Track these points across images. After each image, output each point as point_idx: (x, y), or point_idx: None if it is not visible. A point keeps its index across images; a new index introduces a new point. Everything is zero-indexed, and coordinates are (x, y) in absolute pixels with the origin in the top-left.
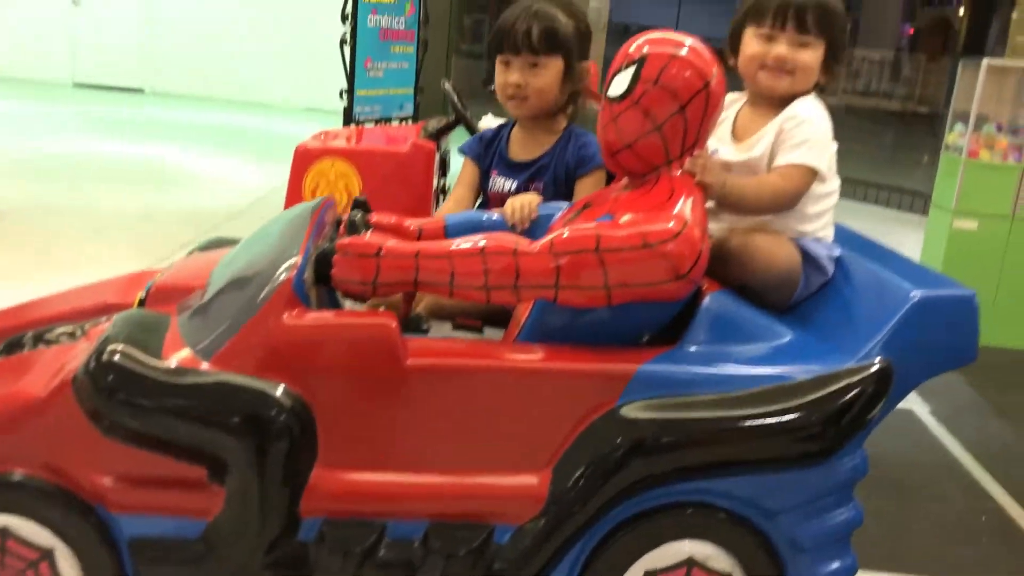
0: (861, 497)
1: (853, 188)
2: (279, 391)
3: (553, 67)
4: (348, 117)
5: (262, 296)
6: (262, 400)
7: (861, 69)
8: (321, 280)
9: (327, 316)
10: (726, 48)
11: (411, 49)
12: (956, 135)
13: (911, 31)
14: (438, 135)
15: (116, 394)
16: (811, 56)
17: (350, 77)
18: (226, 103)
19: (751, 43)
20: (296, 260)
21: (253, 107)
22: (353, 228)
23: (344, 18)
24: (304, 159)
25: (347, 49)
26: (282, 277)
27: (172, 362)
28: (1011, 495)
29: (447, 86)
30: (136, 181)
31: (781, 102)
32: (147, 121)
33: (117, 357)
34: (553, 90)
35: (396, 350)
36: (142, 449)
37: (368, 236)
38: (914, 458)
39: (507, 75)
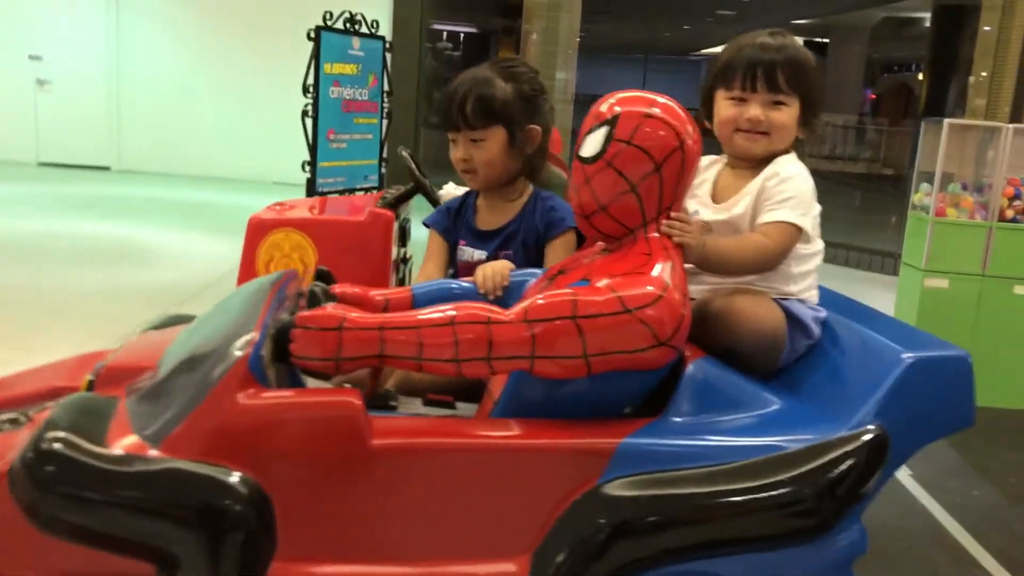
0: None
1: (824, 251)
2: (234, 478)
3: (494, 138)
4: (311, 189)
5: (215, 375)
6: (215, 489)
7: (826, 134)
8: (281, 357)
9: (285, 395)
10: (701, 113)
11: (375, 120)
12: (922, 194)
13: (873, 96)
14: (396, 203)
15: (54, 486)
16: (786, 115)
17: (312, 149)
18: (193, 179)
19: (723, 107)
20: (252, 336)
21: (220, 182)
22: (314, 300)
23: (306, 90)
24: (258, 231)
25: (309, 121)
26: (237, 355)
27: (117, 449)
28: (997, 560)
29: (404, 153)
30: (101, 260)
31: (761, 162)
32: (113, 199)
33: (56, 445)
34: (500, 160)
35: (360, 430)
36: (84, 545)
37: (330, 308)
38: (899, 525)
39: (455, 151)
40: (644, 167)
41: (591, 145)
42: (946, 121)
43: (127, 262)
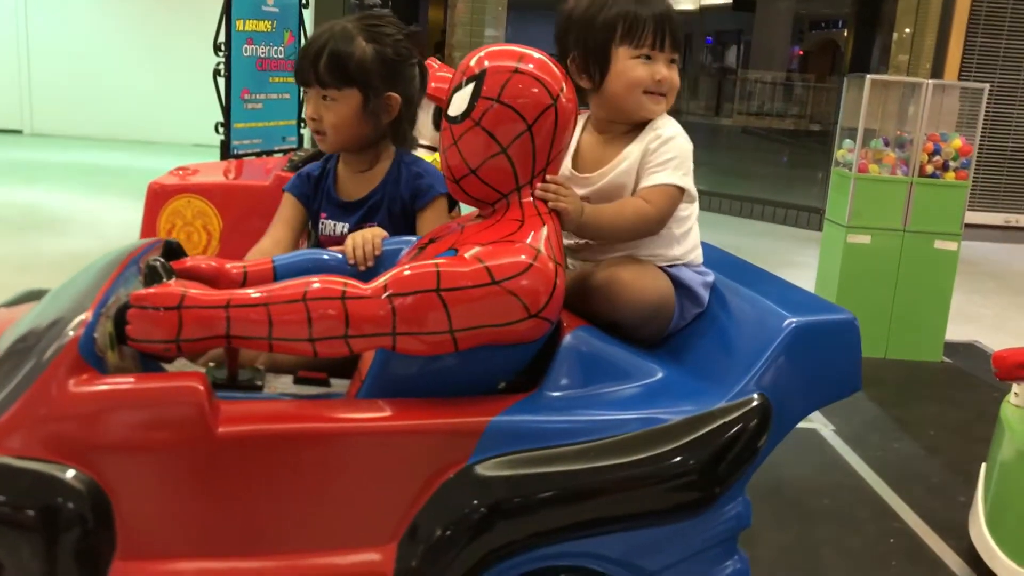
0: (767, 527)
1: (750, 207)
2: (67, 474)
3: (346, 101)
4: (226, 151)
5: (43, 360)
6: (46, 486)
7: (754, 91)
8: (121, 339)
9: (120, 382)
10: (579, 69)
11: (292, 79)
12: (845, 151)
13: (800, 53)
14: (303, 166)
15: None
16: (677, 79)
17: (226, 110)
18: (109, 142)
19: (631, 65)
20: (86, 316)
21: (138, 145)
22: (154, 276)
23: (217, 48)
24: (158, 198)
25: (222, 81)
26: (68, 336)
27: None
28: (918, 514)
29: None
30: (10, 228)
31: (635, 127)
32: (25, 164)
33: None
34: (350, 125)
35: (204, 417)
36: None
37: (171, 285)
38: (820, 480)
39: (307, 108)
40: (515, 127)
41: (458, 103)
42: (868, 77)
43: (40, 229)
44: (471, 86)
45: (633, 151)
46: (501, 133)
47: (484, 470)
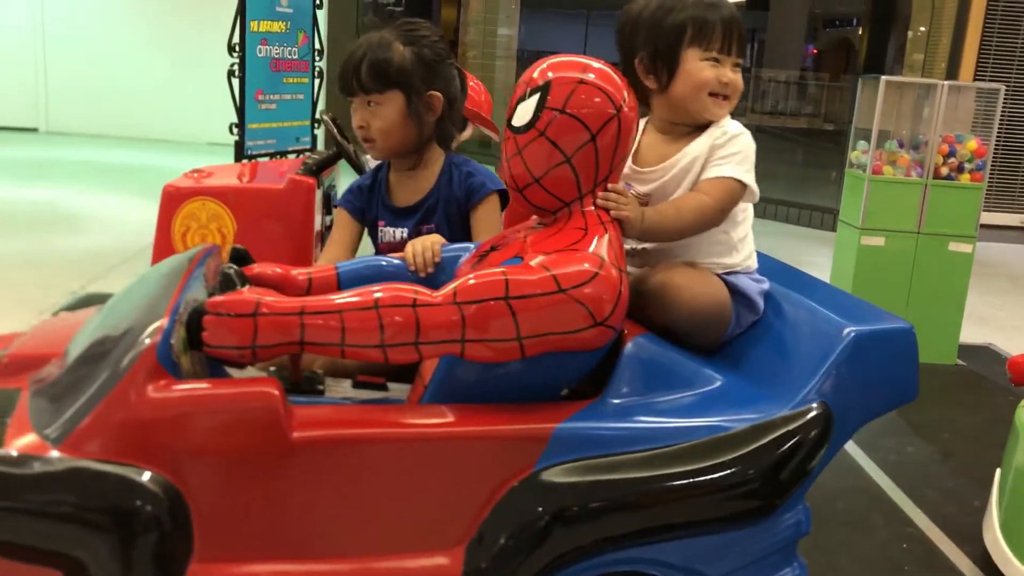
0: None
1: (763, 206)
2: (145, 477)
3: (391, 104)
4: (240, 151)
5: (121, 367)
6: (124, 489)
7: (768, 89)
8: (194, 346)
9: (198, 387)
10: (646, 70)
11: (306, 80)
12: (859, 152)
13: (814, 51)
14: (319, 170)
15: None
16: (741, 82)
17: (240, 110)
18: (124, 140)
19: (700, 67)
20: (161, 323)
21: (152, 144)
22: (228, 283)
23: (231, 49)
24: (173, 200)
25: (236, 81)
26: (145, 343)
27: (13, 450)
28: (930, 518)
29: (326, 117)
30: (28, 226)
31: (697, 128)
32: (41, 162)
33: None
34: (397, 128)
35: (279, 422)
36: None
37: (245, 292)
38: (834, 485)
39: (353, 117)
40: (579, 137)
41: (522, 114)
42: (883, 78)
43: (54, 228)
44: (535, 97)
45: (700, 145)
46: (565, 143)
47: (550, 477)
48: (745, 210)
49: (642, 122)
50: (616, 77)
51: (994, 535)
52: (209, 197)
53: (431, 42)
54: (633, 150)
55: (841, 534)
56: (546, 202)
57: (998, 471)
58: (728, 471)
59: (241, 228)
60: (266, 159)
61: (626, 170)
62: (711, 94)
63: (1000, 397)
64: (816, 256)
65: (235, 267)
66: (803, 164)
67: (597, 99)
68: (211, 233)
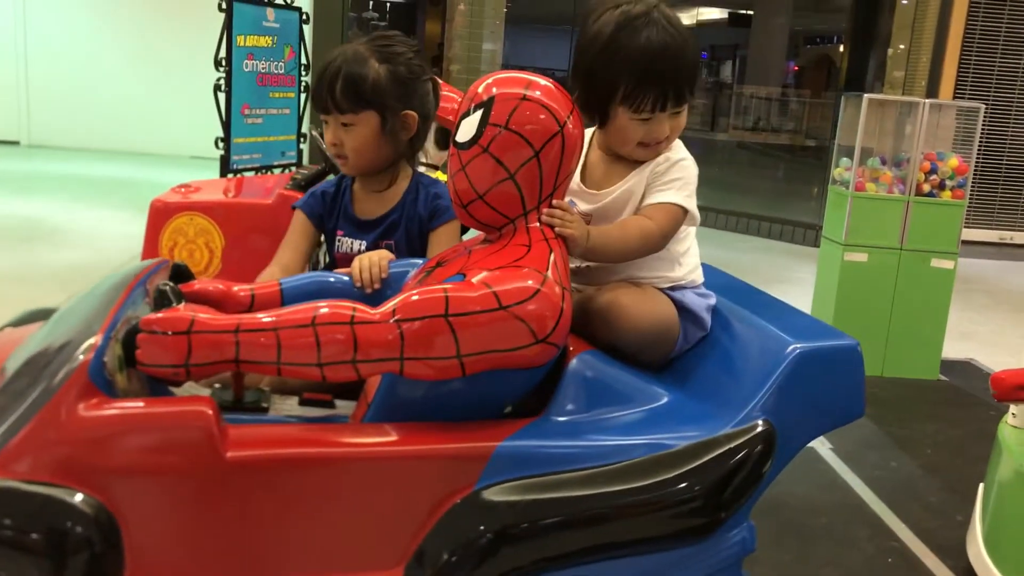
0: (765, 545)
1: (746, 222)
2: (76, 498)
3: (365, 123)
4: (225, 166)
5: (53, 384)
6: (54, 510)
7: (750, 106)
8: (130, 363)
9: (129, 406)
10: (581, 107)
11: (292, 95)
12: (842, 169)
13: (795, 68)
14: (307, 185)
15: None
16: (683, 120)
17: (226, 124)
18: (107, 154)
19: (629, 126)
20: (95, 340)
21: (135, 157)
22: (163, 300)
23: (218, 64)
24: (160, 215)
25: (222, 96)
26: (79, 360)
27: None
28: (914, 533)
29: (314, 133)
30: (9, 240)
31: None
32: (23, 175)
33: None
34: (371, 147)
35: (213, 442)
36: None
37: (181, 309)
38: (818, 499)
39: (326, 134)
40: (522, 153)
41: (466, 130)
42: (866, 96)
43: (37, 241)
44: (479, 113)
45: (643, 170)
46: (509, 159)
47: (491, 495)
48: (688, 229)
49: (588, 132)
50: (560, 94)
51: (978, 549)
52: (197, 212)
53: (407, 59)
54: (582, 164)
55: (825, 549)
56: (490, 218)
57: (981, 485)
58: (671, 488)
59: (229, 243)
60: (251, 174)
61: (574, 186)
62: (640, 144)
63: (982, 412)
64: (799, 272)
65: (171, 284)
66: (785, 180)
67: (541, 116)
68: (199, 248)
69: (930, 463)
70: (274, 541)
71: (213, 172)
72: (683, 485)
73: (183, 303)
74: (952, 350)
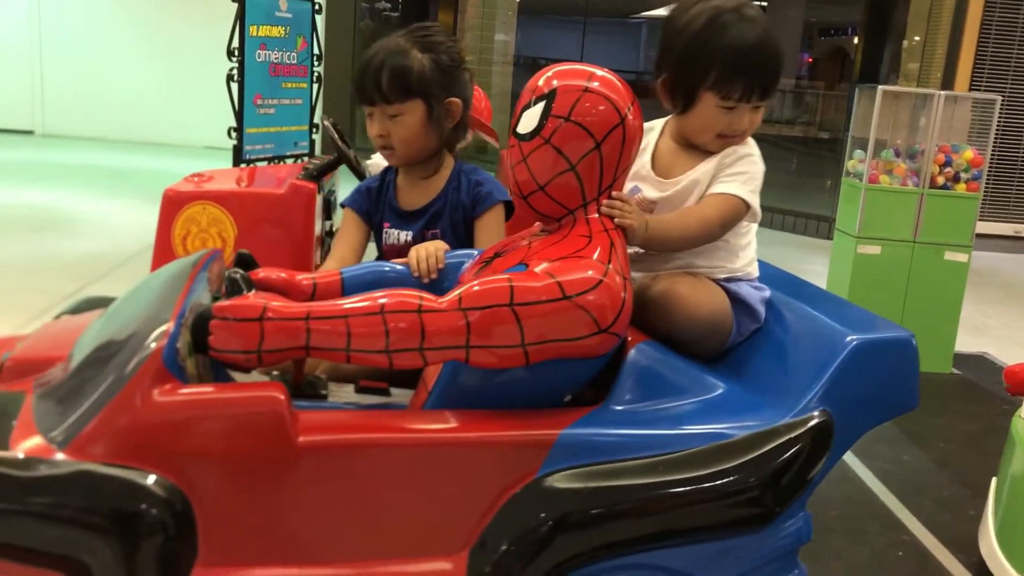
0: None
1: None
2: (150, 480)
3: (413, 113)
4: (238, 156)
5: (127, 371)
6: (129, 492)
7: None
8: (200, 349)
9: (203, 391)
10: (666, 92)
11: (305, 85)
12: (856, 161)
13: (809, 60)
14: (319, 175)
15: None
16: (760, 117)
17: (238, 114)
18: (121, 144)
19: (713, 114)
20: (167, 327)
21: (149, 147)
22: (234, 288)
23: (231, 53)
24: (173, 204)
25: (235, 86)
26: (151, 347)
27: (19, 452)
28: (925, 526)
29: (327, 123)
30: (24, 229)
31: None
32: (37, 164)
33: None
34: (418, 136)
35: (285, 427)
36: None
37: (251, 297)
38: (829, 492)
39: (372, 127)
40: (584, 144)
41: (528, 121)
42: (880, 88)
43: (51, 231)
44: (541, 105)
45: (710, 161)
46: (570, 150)
47: (553, 483)
48: (748, 223)
49: (660, 122)
50: (621, 85)
51: (990, 544)
52: (210, 201)
53: (447, 47)
54: (652, 151)
55: (836, 542)
56: (550, 209)
57: (994, 480)
58: (729, 478)
59: (242, 232)
60: (264, 163)
61: (643, 172)
62: (719, 135)
63: (995, 406)
64: (812, 264)
65: (241, 271)
66: (798, 172)
67: (602, 107)
68: (211, 237)
69: (942, 457)
70: (341, 525)
71: (226, 162)
72: (741, 475)
73: (253, 291)
74: (965, 344)
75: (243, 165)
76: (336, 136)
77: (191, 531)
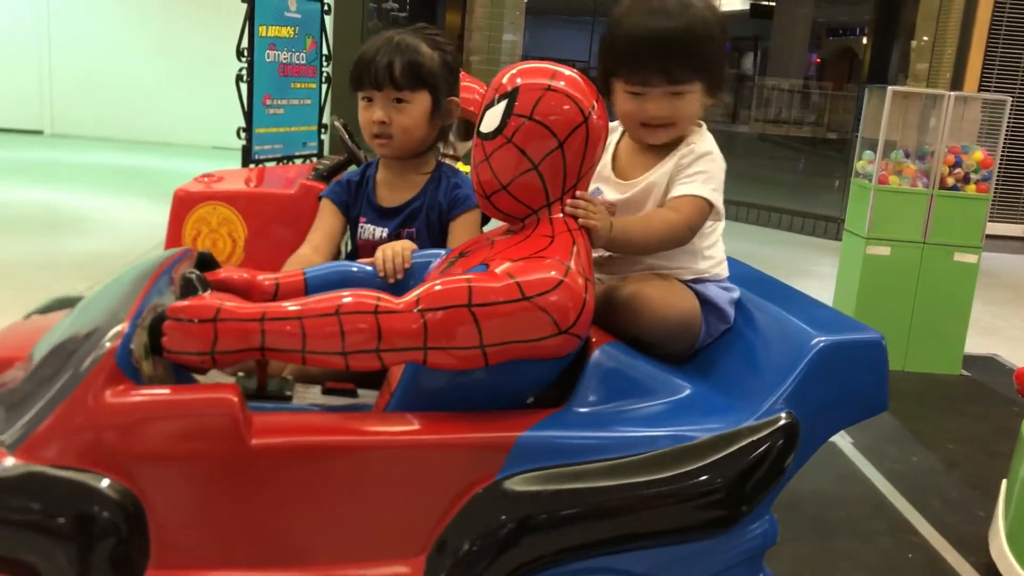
0: (784, 539)
1: (767, 215)
2: (102, 483)
3: (419, 103)
4: (247, 156)
5: (80, 371)
6: (81, 495)
7: (771, 98)
8: (156, 350)
9: (156, 392)
10: (601, 89)
11: (314, 85)
12: (865, 162)
13: (817, 60)
14: (328, 175)
15: None
16: (688, 103)
17: (247, 115)
18: (129, 143)
19: (622, 100)
20: (122, 327)
21: (157, 147)
22: (189, 288)
23: (240, 54)
24: (183, 204)
25: (244, 86)
26: (105, 348)
27: None
28: (935, 528)
29: (337, 123)
30: (33, 228)
31: (667, 144)
32: (46, 164)
33: None
34: (420, 128)
35: (237, 429)
36: None
37: (207, 297)
38: (838, 493)
39: (370, 112)
40: (546, 144)
41: (490, 120)
42: (890, 89)
43: (60, 230)
44: (503, 103)
45: (666, 163)
46: (533, 150)
47: (513, 485)
48: (713, 223)
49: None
50: (585, 85)
51: (1000, 545)
52: (220, 202)
53: (450, 48)
54: (612, 152)
55: (845, 543)
56: (513, 209)
57: (1004, 481)
58: (693, 480)
59: (252, 233)
60: (273, 164)
61: (605, 172)
62: (643, 124)
63: (1005, 408)
64: (820, 265)
65: (197, 272)
66: (807, 173)
67: (565, 106)
68: (222, 237)
69: (951, 458)
70: (297, 528)
71: (235, 162)
72: (705, 477)
73: (209, 291)
74: (975, 345)
75: (252, 165)
76: (345, 136)
77: (144, 534)
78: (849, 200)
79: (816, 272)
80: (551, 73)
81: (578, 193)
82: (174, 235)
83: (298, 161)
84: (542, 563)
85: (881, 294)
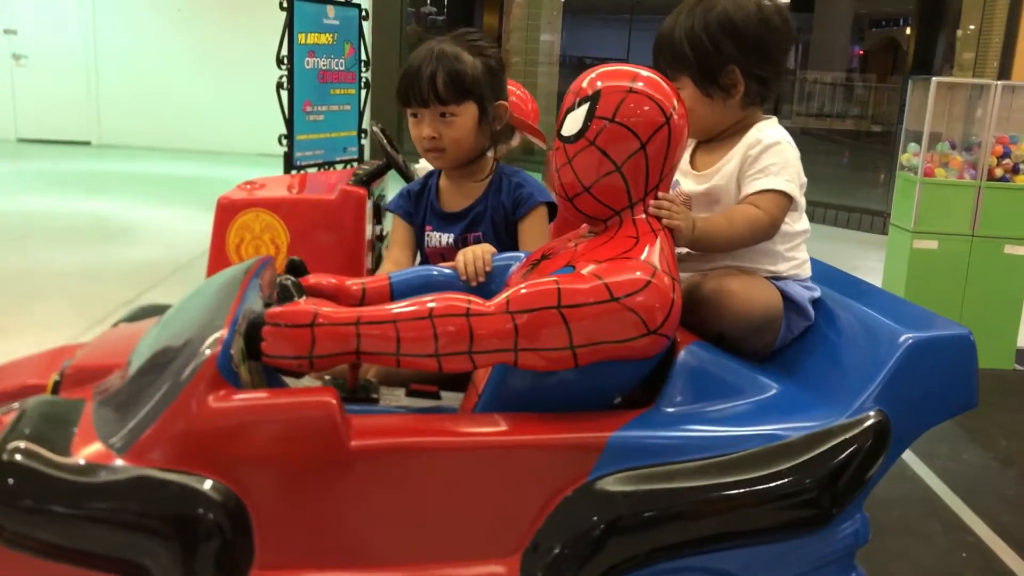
0: None
1: (811, 210)
2: (206, 485)
3: (466, 114)
4: (289, 162)
5: (183, 377)
6: (187, 497)
7: (814, 91)
8: (253, 355)
9: (258, 396)
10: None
11: (353, 91)
12: (910, 154)
13: (860, 52)
14: (369, 180)
15: (16, 500)
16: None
17: (288, 121)
18: (175, 152)
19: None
20: (221, 333)
21: (203, 155)
22: (285, 294)
23: (280, 61)
24: (227, 212)
25: (284, 93)
26: (205, 354)
27: (80, 459)
28: (990, 527)
29: (376, 128)
30: (81, 237)
31: (742, 129)
32: (94, 174)
33: (17, 457)
34: (470, 137)
35: (337, 431)
36: (52, 561)
37: (302, 303)
38: (890, 492)
39: (419, 128)
40: (629, 145)
41: (572, 123)
42: (934, 79)
43: (108, 239)
44: (585, 107)
45: (734, 155)
46: (615, 152)
47: (605, 485)
48: (795, 226)
49: None
50: (665, 86)
51: None
52: (263, 208)
53: (493, 52)
54: (691, 152)
55: (898, 543)
56: (596, 211)
57: None
58: (784, 480)
59: (294, 238)
60: (314, 170)
61: (684, 165)
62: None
63: None
64: (867, 260)
65: (292, 278)
66: (851, 166)
67: (647, 107)
68: (264, 244)
69: (1006, 455)
70: (394, 528)
71: (277, 169)
72: (796, 477)
73: (304, 297)
74: None
75: (294, 172)
76: (385, 141)
77: (247, 534)
78: (895, 194)
79: (863, 267)
80: (632, 75)
81: (660, 194)
82: (218, 242)
83: (339, 166)
84: (635, 562)
85: (929, 289)
